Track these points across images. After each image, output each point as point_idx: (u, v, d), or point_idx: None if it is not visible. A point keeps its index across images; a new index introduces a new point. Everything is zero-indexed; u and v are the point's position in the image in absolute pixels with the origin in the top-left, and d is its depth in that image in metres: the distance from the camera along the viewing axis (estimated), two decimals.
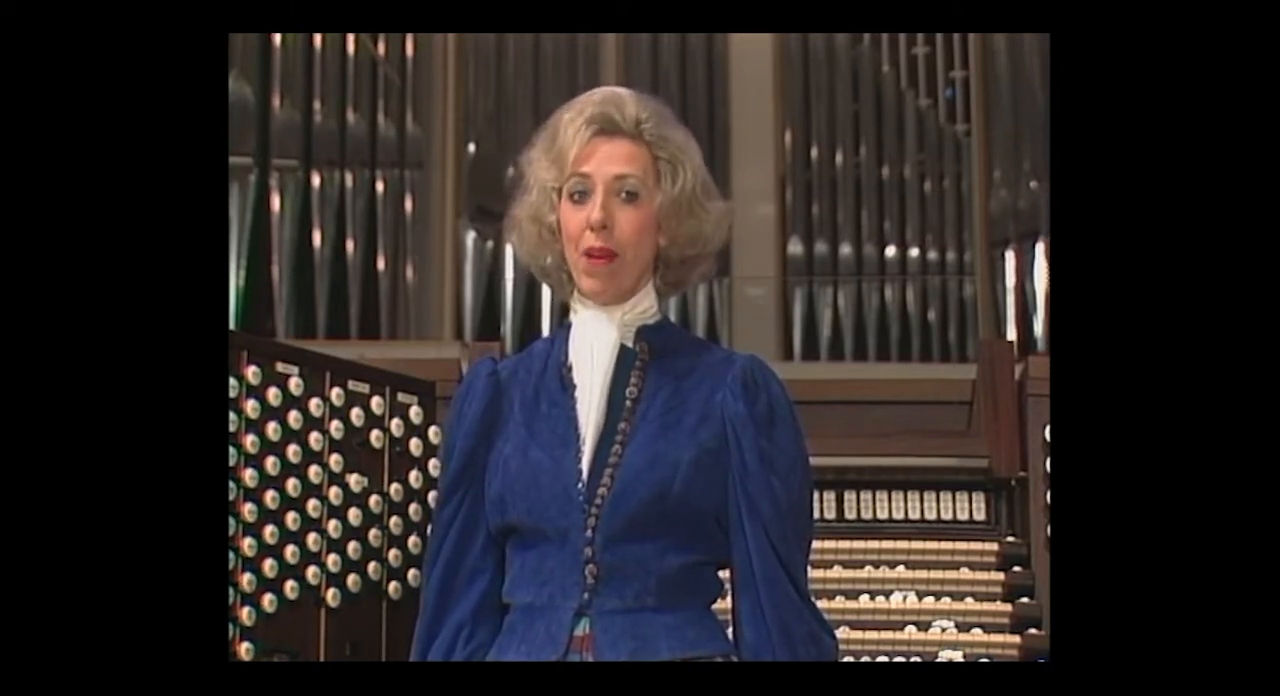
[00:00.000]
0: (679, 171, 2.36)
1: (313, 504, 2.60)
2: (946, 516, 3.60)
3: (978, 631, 3.34)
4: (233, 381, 2.52)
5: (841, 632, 3.29)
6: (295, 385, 2.62)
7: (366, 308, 7.55)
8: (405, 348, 6.89)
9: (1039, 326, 7.49)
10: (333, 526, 2.61)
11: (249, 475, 2.52)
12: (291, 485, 2.57)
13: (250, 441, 2.53)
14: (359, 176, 7.62)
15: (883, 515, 3.61)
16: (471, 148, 7.76)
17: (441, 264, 7.76)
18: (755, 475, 2.29)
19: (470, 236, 7.66)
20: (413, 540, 2.72)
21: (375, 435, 2.71)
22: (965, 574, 3.47)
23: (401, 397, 2.77)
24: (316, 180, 7.56)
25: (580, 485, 2.28)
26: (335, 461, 2.64)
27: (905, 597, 3.43)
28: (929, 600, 3.42)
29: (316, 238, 7.52)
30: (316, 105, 7.64)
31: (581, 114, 2.34)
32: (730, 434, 2.31)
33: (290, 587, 2.54)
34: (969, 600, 3.41)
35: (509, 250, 7.33)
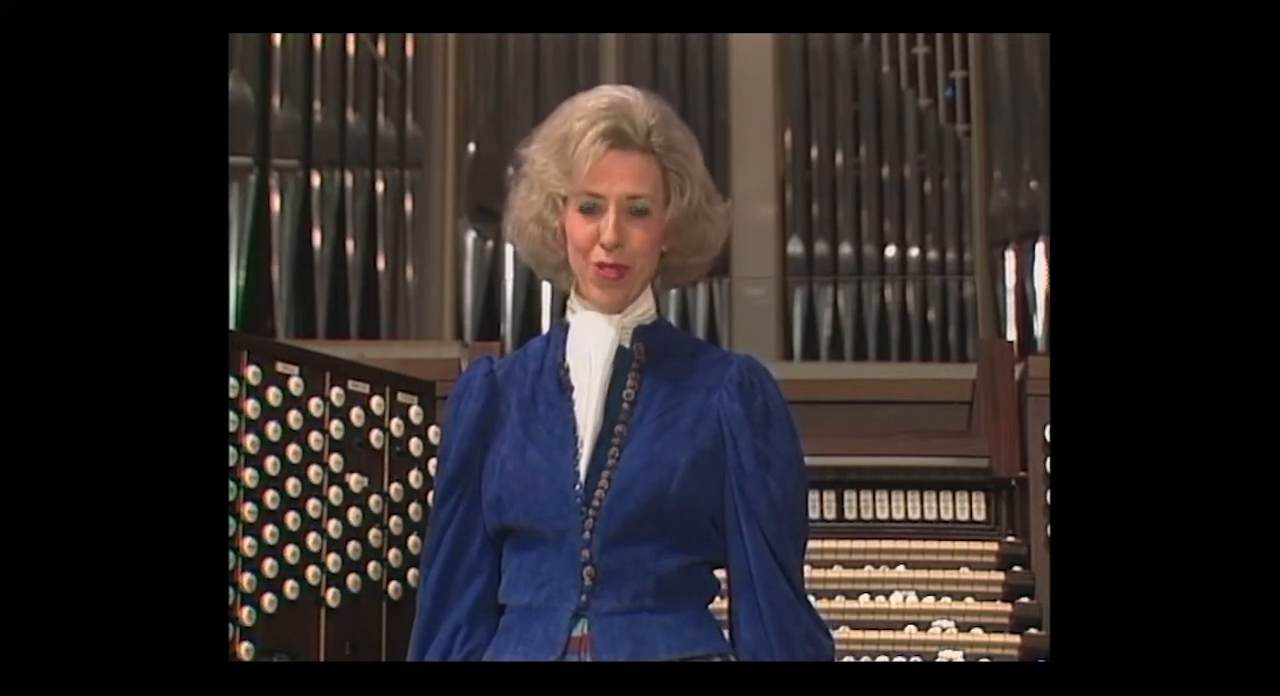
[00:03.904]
0: (686, 184, 2.35)
1: (313, 504, 2.60)
2: (946, 516, 3.60)
3: (978, 631, 3.34)
4: (233, 381, 2.52)
5: (841, 632, 3.30)
6: (295, 385, 2.61)
7: (366, 308, 7.55)
8: (405, 347, 6.89)
9: (1039, 326, 7.49)
10: (333, 526, 2.61)
11: (249, 475, 2.52)
12: (291, 485, 2.57)
13: (250, 441, 2.53)
14: (359, 176, 7.62)
15: (883, 515, 3.62)
16: (471, 148, 7.76)
17: (441, 264, 7.76)
18: (752, 475, 2.29)
19: (470, 236, 7.66)
20: (413, 540, 2.72)
21: (375, 435, 2.71)
22: (965, 574, 3.47)
23: (401, 398, 2.76)
24: (316, 180, 7.56)
25: (578, 487, 2.28)
26: (335, 461, 2.64)
27: (905, 597, 3.43)
28: (929, 600, 3.43)
29: (316, 238, 7.52)
30: (316, 105, 7.64)
31: (594, 125, 2.30)
32: (727, 434, 2.31)
33: (290, 587, 2.54)
34: (969, 600, 3.41)
35: (509, 250, 7.33)
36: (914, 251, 7.75)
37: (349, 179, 7.60)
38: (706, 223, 2.39)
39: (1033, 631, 3.30)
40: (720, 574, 2.37)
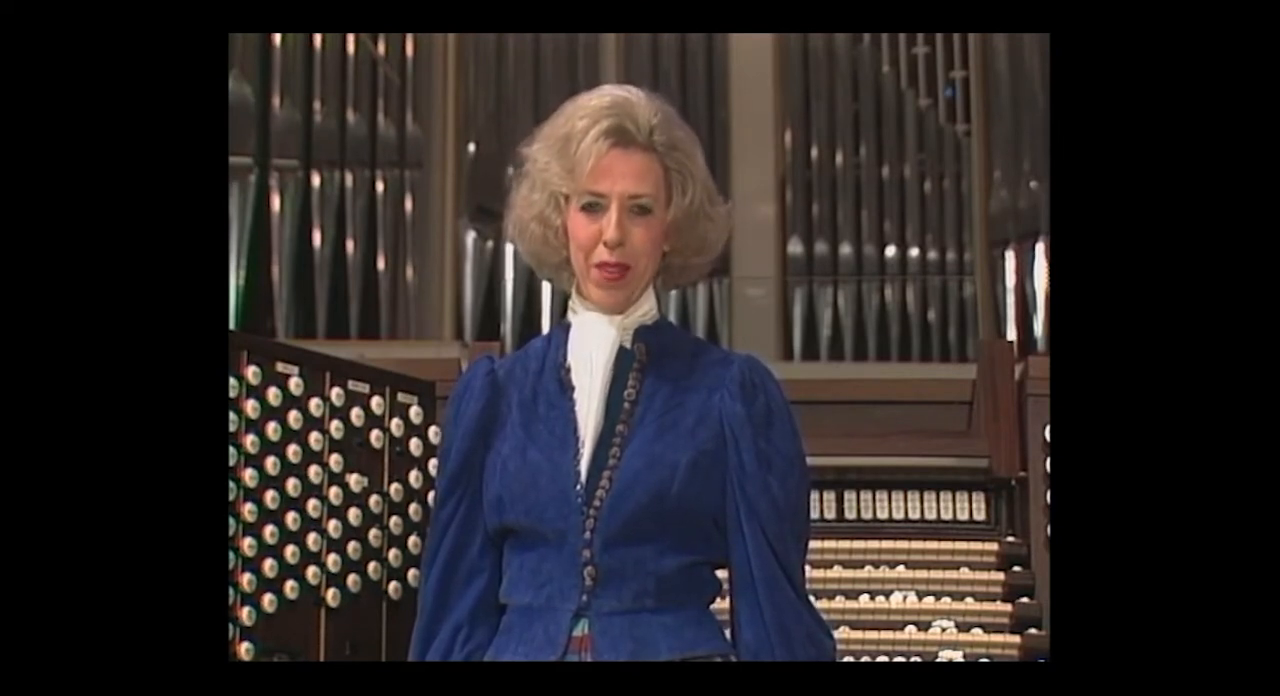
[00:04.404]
0: (688, 184, 2.35)
1: (313, 504, 2.60)
2: (946, 516, 3.60)
3: (978, 631, 3.34)
4: (233, 381, 2.52)
5: (841, 632, 3.30)
6: (295, 385, 2.61)
7: (366, 308, 7.55)
8: (405, 347, 6.89)
9: (1039, 326, 7.49)
10: (333, 526, 2.61)
11: (249, 475, 2.52)
12: (291, 485, 2.57)
13: (250, 441, 2.53)
14: (359, 176, 7.62)
15: (883, 515, 3.62)
16: (471, 148, 7.76)
17: (441, 264, 7.76)
18: (753, 475, 2.29)
19: (470, 236, 7.66)
20: (413, 540, 2.72)
21: (375, 435, 2.71)
22: (965, 574, 3.47)
23: (401, 398, 2.76)
24: (316, 180, 7.56)
25: (579, 487, 2.28)
26: (335, 461, 2.64)
27: (905, 597, 3.43)
28: (929, 600, 3.43)
29: (316, 238, 7.52)
30: (316, 105, 7.64)
31: (596, 123, 2.30)
32: (728, 434, 2.31)
33: (290, 587, 2.54)
34: (969, 600, 3.41)
35: (509, 250, 7.33)
36: (914, 251, 7.76)
37: (349, 179, 7.60)
38: (708, 223, 2.39)
39: (1033, 631, 3.30)
40: (722, 574, 2.37)
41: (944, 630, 3.35)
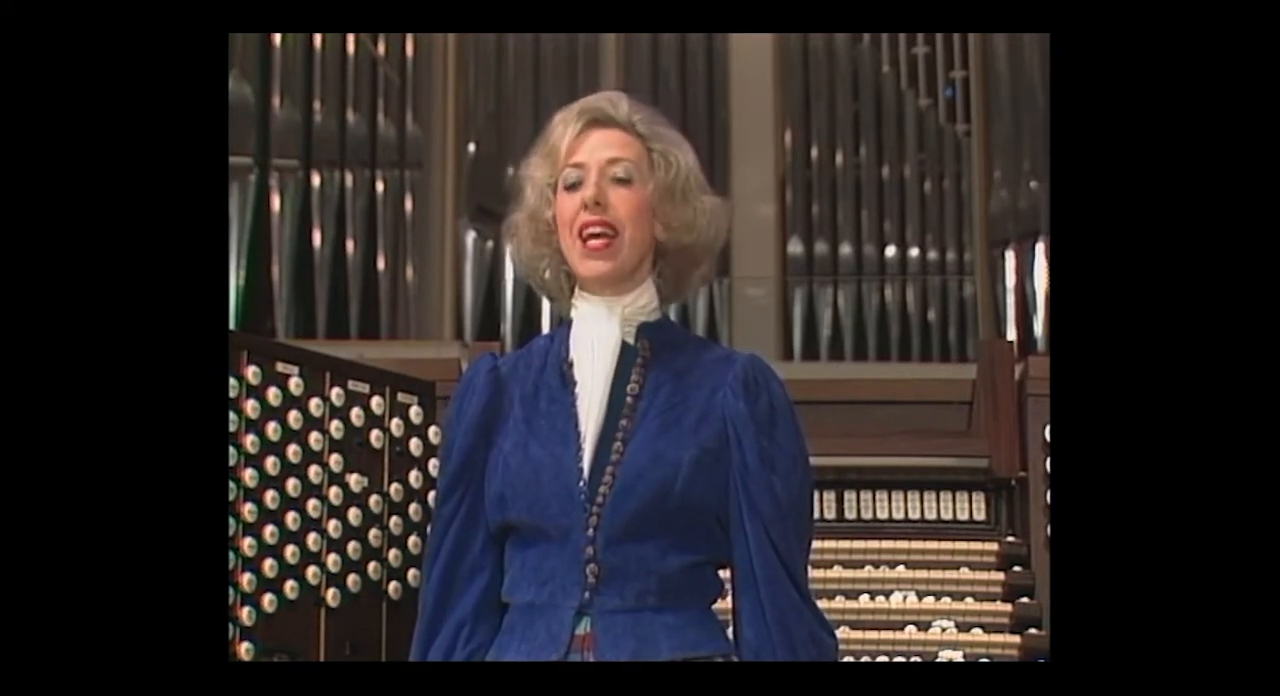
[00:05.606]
0: (671, 161, 2.38)
1: (313, 504, 2.60)
2: (946, 516, 3.60)
3: (978, 631, 3.34)
4: (233, 381, 2.52)
5: (841, 632, 3.29)
6: (295, 385, 2.61)
7: (366, 308, 7.55)
8: (405, 347, 6.89)
9: (1039, 326, 7.50)
10: (333, 526, 2.61)
11: (249, 475, 2.52)
12: (291, 485, 2.57)
13: (250, 441, 2.53)
14: (359, 176, 7.62)
15: (883, 515, 3.61)
16: (471, 148, 7.76)
17: (441, 264, 7.76)
18: (756, 474, 2.29)
19: (470, 236, 7.66)
20: (413, 540, 2.72)
21: (375, 435, 2.71)
22: (965, 574, 3.47)
23: (401, 398, 2.76)
24: (316, 180, 7.57)
25: (581, 483, 2.28)
26: (335, 461, 2.64)
27: (905, 597, 3.43)
28: (929, 600, 3.43)
29: (316, 238, 7.53)
30: (316, 105, 7.65)
31: (572, 111, 2.39)
32: (731, 433, 2.31)
33: (290, 587, 2.54)
34: (969, 600, 3.41)
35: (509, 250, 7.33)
36: (914, 251, 7.76)
37: (349, 179, 7.61)
38: (696, 204, 2.40)
39: (1033, 631, 3.30)
40: (724, 574, 2.37)
41: (944, 630, 3.35)
